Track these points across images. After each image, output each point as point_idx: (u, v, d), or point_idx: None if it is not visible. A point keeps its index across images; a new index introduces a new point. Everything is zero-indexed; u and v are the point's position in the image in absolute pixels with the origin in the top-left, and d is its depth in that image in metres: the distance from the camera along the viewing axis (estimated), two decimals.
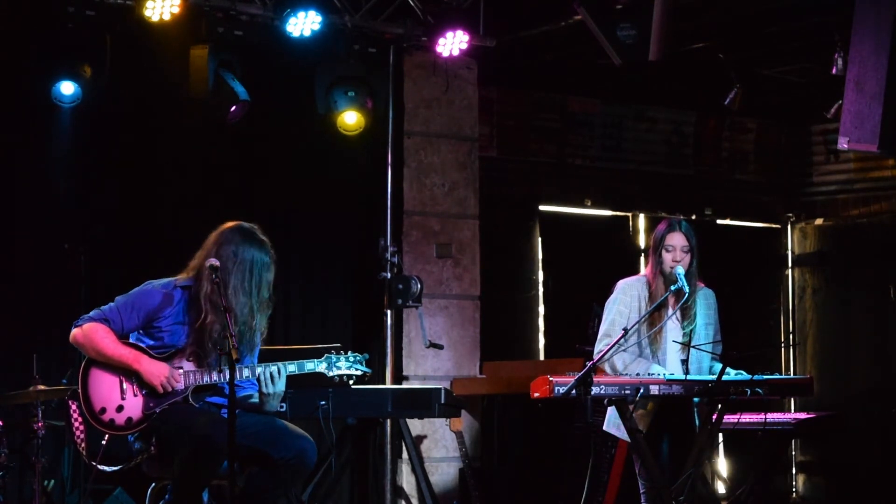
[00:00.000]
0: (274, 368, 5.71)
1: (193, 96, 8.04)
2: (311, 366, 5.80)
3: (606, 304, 6.57)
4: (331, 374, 5.80)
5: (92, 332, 5.69)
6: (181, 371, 5.72)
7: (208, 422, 5.56)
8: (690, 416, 6.53)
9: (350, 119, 8.54)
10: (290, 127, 8.64)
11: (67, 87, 7.64)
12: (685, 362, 6.33)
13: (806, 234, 11.27)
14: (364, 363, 5.88)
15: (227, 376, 5.44)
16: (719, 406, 6.35)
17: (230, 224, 5.85)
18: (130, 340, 5.79)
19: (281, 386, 5.73)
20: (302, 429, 5.85)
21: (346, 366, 5.82)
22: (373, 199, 8.96)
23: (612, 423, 6.44)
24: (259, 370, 5.71)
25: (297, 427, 5.83)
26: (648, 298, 6.44)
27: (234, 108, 8.04)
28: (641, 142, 10.73)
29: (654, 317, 6.38)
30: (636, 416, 6.31)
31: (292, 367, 5.76)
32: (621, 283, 6.56)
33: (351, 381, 5.87)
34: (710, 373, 6.38)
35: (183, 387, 5.71)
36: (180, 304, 5.77)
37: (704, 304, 6.53)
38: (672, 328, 6.44)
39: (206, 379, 5.71)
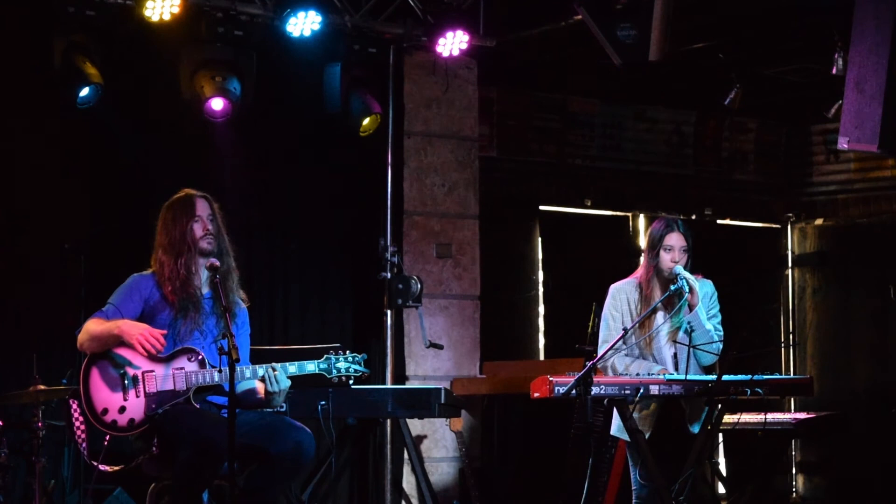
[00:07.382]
0: (276, 367, 5.76)
1: (183, 96, 8.07)
2: (311, 367, 5.86)
3: (602, 309, 6.57)
4: (331, 374, 5.84)
5: (85, 325, 5.78)
6: (183, 371, 5.75)
7: (211, 424, 5.59)
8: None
9: (366, 120, 8.58)
10: (289, 126, 8.63)
11: (84, 90, 7.64)
12: (676, 356, 6.31)
13: (806, 234, 11.26)
14: (363, 363, 5.92)
15: (228, 376, 5.46)
16: (719, 406, 6.35)
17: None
18: None
19: (286, 383, 5.78)
20: None
21: (345, 366, 5.87)
22: (373, 199, 8.96)
23: (619, 427, 6.42)
24: (261, 371, 5.76)
25: (293, 420, 5.89)
26: (639, 300, 6.42)
27: (219, 107, 8.01)
28: (641, 142, 10.73)
29: (648, 320, 6.36)
30: (640, 417, 6.30)
31: (293, 368, 5.82)
32: (612, 288, 6.54)
33: (350, 382, 5.90)
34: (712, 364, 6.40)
35: (185, 386, 5.74)
36: (160, 287, 5.87)
37: (701, 294, 6.50)
38: (664, 328, 6.43)
39: (208, 379, 5.74)
